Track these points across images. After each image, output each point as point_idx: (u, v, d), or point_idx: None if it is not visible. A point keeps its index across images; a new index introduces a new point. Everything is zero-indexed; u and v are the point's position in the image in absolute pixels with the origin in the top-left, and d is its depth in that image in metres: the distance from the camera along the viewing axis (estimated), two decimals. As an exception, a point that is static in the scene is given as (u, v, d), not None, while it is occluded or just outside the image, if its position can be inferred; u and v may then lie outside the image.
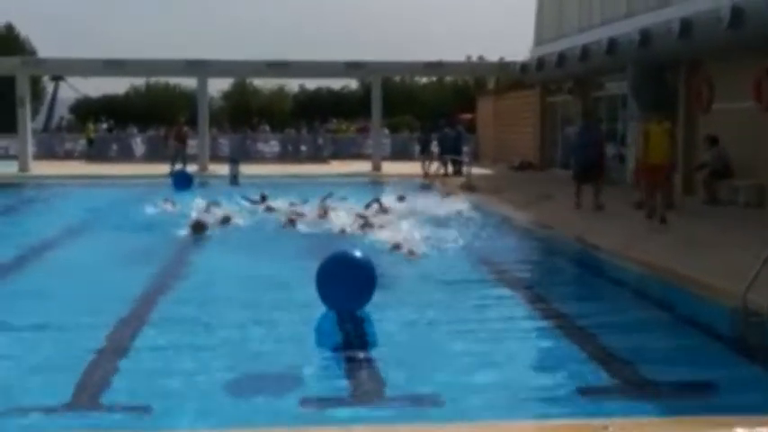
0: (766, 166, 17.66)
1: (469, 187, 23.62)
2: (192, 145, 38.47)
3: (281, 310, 9.08)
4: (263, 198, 19.66)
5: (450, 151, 29.83)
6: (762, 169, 17.87)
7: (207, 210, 17.90)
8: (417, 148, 35.95)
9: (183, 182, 25.72)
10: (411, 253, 12.54)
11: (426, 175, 29.29)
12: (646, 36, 20.55)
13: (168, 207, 19.00)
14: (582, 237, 13.71)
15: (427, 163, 30.57)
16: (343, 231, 15.16)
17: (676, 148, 15.52)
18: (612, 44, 22.64)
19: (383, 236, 14.06)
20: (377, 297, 8.94)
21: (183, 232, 15.24)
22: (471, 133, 40.73)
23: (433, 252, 12.85)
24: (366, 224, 15.53)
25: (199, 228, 15.35)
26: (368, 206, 18.09)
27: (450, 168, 29.90)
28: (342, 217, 16.50)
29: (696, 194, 19.50)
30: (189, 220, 16.08)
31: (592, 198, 17.47)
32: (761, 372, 7.14)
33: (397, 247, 12.86)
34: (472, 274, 11.70)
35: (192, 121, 37.20)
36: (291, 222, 16.25)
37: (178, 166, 30.31)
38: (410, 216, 16.76)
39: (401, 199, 19.65)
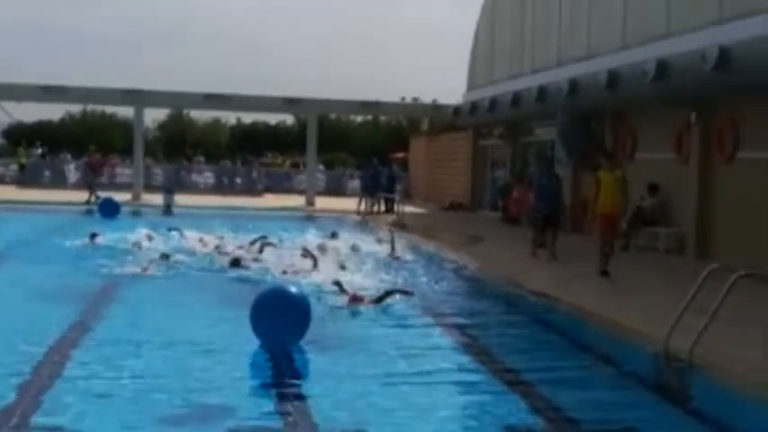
0: (685, 216, 18.45)
1: (401, 225, 24.11)
2: (126, 174, 38.46)
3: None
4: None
5: (383, 189, 30.39)
6: (681, 218, 18.67)
7: (148, 240, 17.87)
8: (355, 184, 36.36)
9: (109, 210, 25.79)
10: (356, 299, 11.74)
11: (360, 212, 29.70)
12: (574, 85, 21.39)
13: (96, 240, 18.21)
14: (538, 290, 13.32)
15: (366, 200, 30.96)
16: (284, 272, 14.24)
17: (626, 196, 14.90)
18: (542, 92, 23.45)
19: (320, 278, 13.47)
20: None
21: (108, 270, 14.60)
22: (404, 172, 41.43)
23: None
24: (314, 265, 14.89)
25: (236, 263, 15.18)
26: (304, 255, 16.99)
27: (383, 206, 30.44)
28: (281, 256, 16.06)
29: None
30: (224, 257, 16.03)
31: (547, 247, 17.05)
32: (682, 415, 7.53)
33: (342, 290, 12.11)
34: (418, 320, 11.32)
35: (128, 150, 37.16)
36: (236, 262, 15.41)
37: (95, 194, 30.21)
38: (349, 259, 16.32)
39: (333, 236, 19.81)
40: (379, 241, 19.66)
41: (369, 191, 31.00)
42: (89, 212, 27.83)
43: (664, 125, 19.36)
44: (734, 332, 9.03)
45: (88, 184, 31.39)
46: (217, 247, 17.22)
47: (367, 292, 12.17)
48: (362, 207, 30.39)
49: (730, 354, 8.38)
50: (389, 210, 29.44)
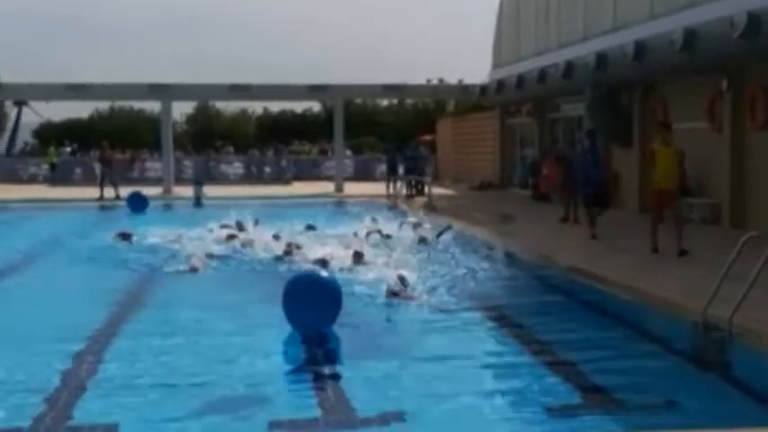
0: (719, 185, 18.23)
1: (432, 207, 24.02)
2: (156, 168, 38.69)
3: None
4: (240, 227, 18.09)
5: (413, 172, 30.31)
6: (715, 188, 18.44)
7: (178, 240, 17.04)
8: (383, 168, 36.24)
9: (137, 204, 25.78)
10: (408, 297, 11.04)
11: (390, 196, 29.63)
12: (601, 59, 21.14)
13: (122, 241, 17.37)
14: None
15: (393, 184, 30.90)
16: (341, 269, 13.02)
17: (684, 170, 14.03)
18: (569, 67, 23.21)
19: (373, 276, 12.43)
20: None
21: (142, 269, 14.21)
22: (432, 154, 41.29)
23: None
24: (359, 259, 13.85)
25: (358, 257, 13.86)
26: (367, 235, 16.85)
27: (413, 189, 30.37)
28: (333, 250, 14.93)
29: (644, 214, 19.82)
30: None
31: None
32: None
33: (394, 294, 11.12)
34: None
35: (157, 145, 37.32)
36: (288, 253, 14.78)
37: (107, 189, 30.29)
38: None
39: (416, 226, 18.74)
40: (415, 226, 18.87)
41: (393, 173, 31.07)
42: (104, 208, 28.01)
43: (695, 94, 19.11)
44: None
45: (103, 179, 31.33)
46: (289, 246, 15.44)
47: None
48: (390, 191, 30.33)
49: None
50: (420, 192, 29.32)
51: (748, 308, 8.04)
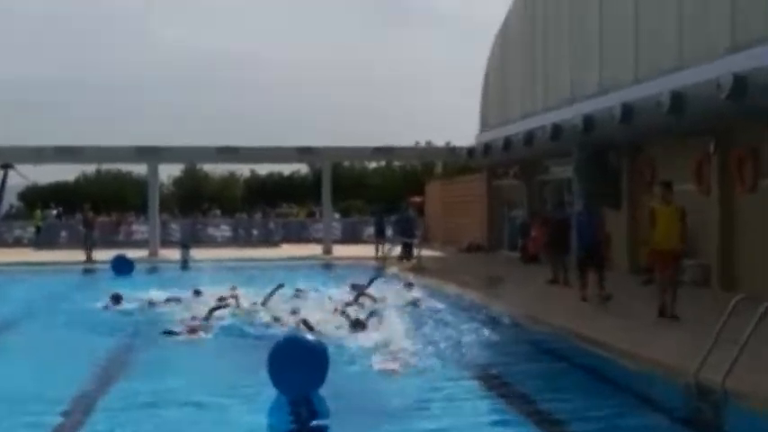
0: (709, 247, 18.16)
1: (420, 269, 23.89)
2: (142, 231, 38.52)
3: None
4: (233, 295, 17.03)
5: (403, 234, 30.22)
6: (705, 250, 18.37)
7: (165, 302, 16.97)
8: (371, 230, 36.15)
9: (122, 267, 25.53)
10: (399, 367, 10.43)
11: (378, 258, 29.47)
12: (589, 121, 21.22)
13: (113, 304, 17.15)
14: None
15: (381, 246, 30.77)
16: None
17: (686, 230, 13.60)
18: (556, 129, 23.29)
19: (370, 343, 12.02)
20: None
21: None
22: (420, 216, 41.27)
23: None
24: (356, 323, 13.50)
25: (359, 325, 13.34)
26: (356, 298, 16.43)
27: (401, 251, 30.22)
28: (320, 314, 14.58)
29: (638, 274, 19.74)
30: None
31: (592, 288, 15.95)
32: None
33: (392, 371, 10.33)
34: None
35: (143, 207, 37.20)
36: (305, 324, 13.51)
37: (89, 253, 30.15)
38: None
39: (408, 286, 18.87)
40: (407, 286, 18.93)
41: (381, 236, 31.03)
42: (88, 272, 27.76)
43: (682, 156, 19.16)
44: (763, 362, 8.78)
45: (85, 240, 31.16)
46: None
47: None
48: (379, 253, 30.19)
49: (762, 383, 8.19)
50: (409, 255, 29.16)
51: (742, 370, 7.96)
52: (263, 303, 15.95)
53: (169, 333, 13.48)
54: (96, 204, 40.17)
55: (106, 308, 16.89)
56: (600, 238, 16.64)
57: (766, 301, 8.27)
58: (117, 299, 17.36)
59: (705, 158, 18.26)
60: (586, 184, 22.06)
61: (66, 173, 79.36)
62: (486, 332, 13.38)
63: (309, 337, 9.92)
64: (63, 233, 42.17)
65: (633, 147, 21.64)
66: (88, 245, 30.72)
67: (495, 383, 9.96)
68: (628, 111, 19.06)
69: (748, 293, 10.12)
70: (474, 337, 12.88)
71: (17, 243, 41.54)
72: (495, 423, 8.40)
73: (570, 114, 22.78)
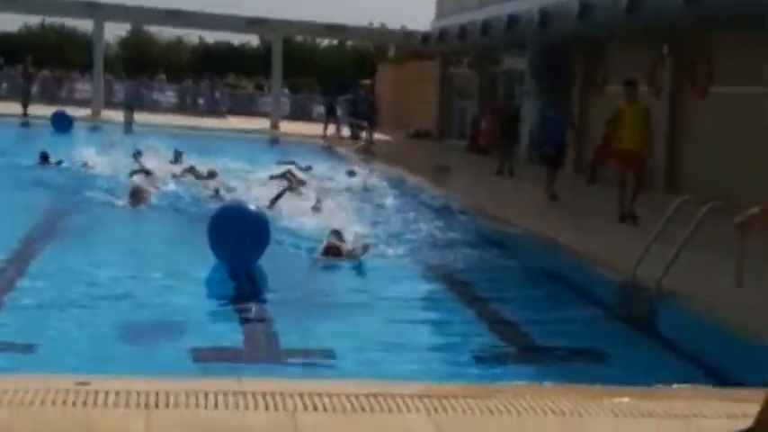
0: (656, 149, 18.34)
1: (367, 152, 23.90)
2: (85, 90, 37.69)
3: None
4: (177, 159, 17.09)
5: (354, 115, 30.05)
6: (650, 152, 18.55)
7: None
8: (321, 109, 35.78)
9: (62, 123, 25.17)
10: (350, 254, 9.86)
11: (326, 137, 29.33)
12: (545, 15, 21.05)
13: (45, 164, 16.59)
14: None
15: (332, 126, 30.52)
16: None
17: (650, 130, 13.29)
18: (513, 21, 23.08)
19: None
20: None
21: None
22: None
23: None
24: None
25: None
26: (283, 175, 15.89)
27: (349, 132, 30.12)
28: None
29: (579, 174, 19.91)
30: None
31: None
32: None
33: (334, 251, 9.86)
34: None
35: (88, 67, 36.33)
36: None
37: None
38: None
39: (351, 174, 18.07)
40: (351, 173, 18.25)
41: (331, 115, 30.76)
42: (24, 125, 27.30)
43: (636, 58, 19.17)
44: (703, 263, 9.01)
45: (23, 95, 30.46)
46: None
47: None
48: (328, 132, 30.06)
49: (698, 283, 8.39)
50: (356, 137, 28.98)
51: (679, 270, 8.16)
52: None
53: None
54: (39, 59, 38.92)
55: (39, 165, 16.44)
56: (566, 138, 16.23)
57: (709, 204, 8.40)
58: (45, 157, 16.79)
59: (659, 61, 18.34)
60: (541, 77, 22.05)
61: (9, 23, 76.80)
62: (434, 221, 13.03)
63: (252, 207, 9.91)
64: (4, 85, 40.98)
65: (587, 46, 21.60)
66: (26, 98, 30.04)
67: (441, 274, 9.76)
68: (585, 7, 18.94)
69: (692, 197, 10.27)
70: (419, 224, 12.62)
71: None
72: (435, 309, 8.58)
73: (528, 6, 22.52)
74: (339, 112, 31.54)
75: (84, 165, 16.57)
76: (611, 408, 4.87)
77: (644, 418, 4.76)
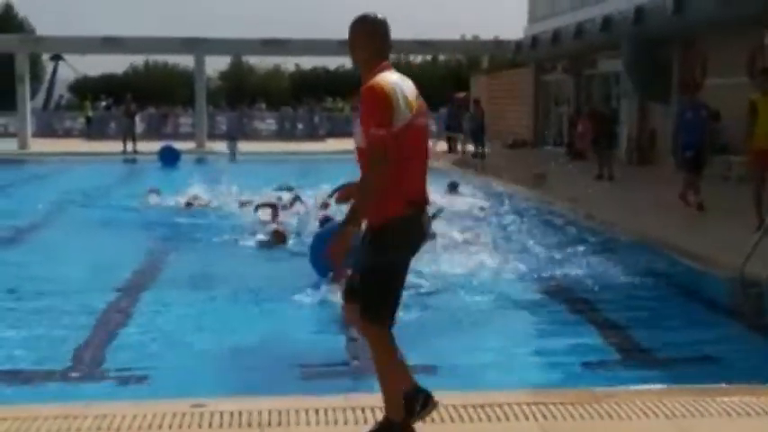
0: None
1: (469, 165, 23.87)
2: (189, 123, 38.81)
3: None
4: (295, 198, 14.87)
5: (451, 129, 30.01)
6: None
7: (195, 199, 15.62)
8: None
9: (170, 158, 25.77)
10: None
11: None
12: (640, 13, 20.76)
13: (153, 199, 16.07)
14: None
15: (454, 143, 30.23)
16: None
17: None
18: (606, 21, 22.83)
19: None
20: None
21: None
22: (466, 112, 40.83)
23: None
24: None
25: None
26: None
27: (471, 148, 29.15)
28: None
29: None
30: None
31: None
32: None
33: None
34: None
35: (191, 100, 37.42)
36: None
37: (128, 143, 30.61)
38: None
39: (452, 187, 17.01)
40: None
41: (454, 131, 30.06)
42: (128, 161, 28.21)
43: (734, 49, 18.71)
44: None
45: (125, 131, 31.53)
46: None
47: None
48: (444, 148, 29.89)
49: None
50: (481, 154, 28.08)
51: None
52: None
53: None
54: (144, 96, 40.41)
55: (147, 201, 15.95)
56: (707, 140, 14.40)
57: None
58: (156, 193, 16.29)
59: (758, 50, 17.84)
60: (638, 77, 21.68)
61: (116, 65, 79.68)
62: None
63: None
64: (112, 124, 42.56)
65: (684, 40, 21.17)
66: (127, 135, 31.16)
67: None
68: (680, 2, 18.59)
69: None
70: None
71: (68, 134, 42.12)
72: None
73: (621, 6, 22.25)
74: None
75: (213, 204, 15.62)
76: (723, 407, 4.80)
77: (758, 416, 4.66)
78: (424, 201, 4.25)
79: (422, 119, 4.23)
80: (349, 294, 4.25)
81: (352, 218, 4.04)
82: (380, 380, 4.23)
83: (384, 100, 4.03)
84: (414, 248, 4.23)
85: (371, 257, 4.08)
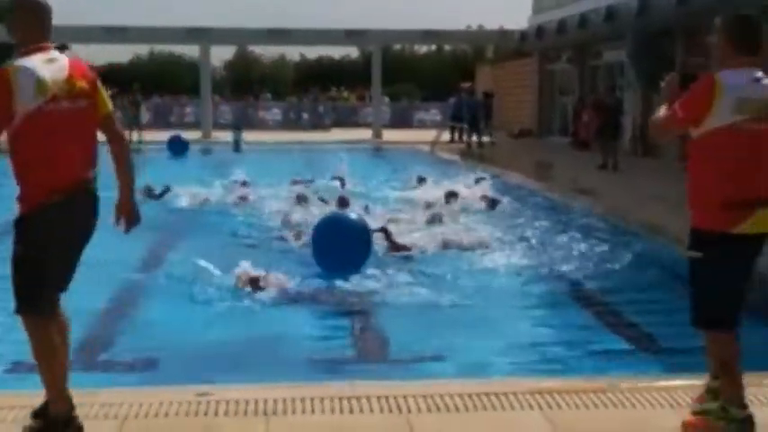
0: None
1: (472, 156, 23.88)
2: (194, 113, 38.77)
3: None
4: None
5: (456, 119, 30.00)
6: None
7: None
8: (421, 116, 35.35)
9: (178, 148, 25.72)
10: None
11: (433, 144, 28.99)
12: (644, 3, 20.69)
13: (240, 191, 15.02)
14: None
15: (457, 132, 30.23)
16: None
17: None
18: (611, 12, 22.77)
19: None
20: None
21: None
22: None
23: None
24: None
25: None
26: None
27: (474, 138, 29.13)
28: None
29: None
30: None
31: None
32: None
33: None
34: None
35: (196, 90, 37.39)
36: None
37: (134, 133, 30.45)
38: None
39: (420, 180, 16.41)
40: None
41: (459, 121, 29.69)
42: (135, 151, 27.98)
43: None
44: None
45: (132, 122, 31.37)
46: None
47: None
48: (456, 138, 29.87)
49: None
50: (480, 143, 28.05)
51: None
52: None
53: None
54: (149, 86, 40.32)
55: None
56: None
57: None
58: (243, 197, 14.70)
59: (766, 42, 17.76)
60: (642, 67, 21.62)
61: (120, 55, 79.61)
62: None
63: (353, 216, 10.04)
64: (117, 114, 42.28)
65: (687, 32, 21.10)
66: (134, 125, 31.05)
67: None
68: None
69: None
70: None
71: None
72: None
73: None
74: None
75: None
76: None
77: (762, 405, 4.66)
78: (76, 186, 4.21)
79: (66, 102, 4.22)
80: None
81: None
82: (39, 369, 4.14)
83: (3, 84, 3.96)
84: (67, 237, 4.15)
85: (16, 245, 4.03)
